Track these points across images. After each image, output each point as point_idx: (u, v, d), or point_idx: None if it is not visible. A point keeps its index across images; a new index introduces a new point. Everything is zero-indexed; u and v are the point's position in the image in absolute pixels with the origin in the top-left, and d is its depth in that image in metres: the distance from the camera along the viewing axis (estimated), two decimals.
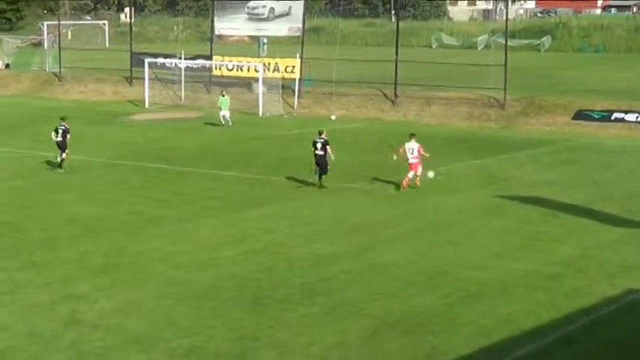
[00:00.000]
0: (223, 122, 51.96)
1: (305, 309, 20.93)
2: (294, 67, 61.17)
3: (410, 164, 34.68)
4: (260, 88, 58.98)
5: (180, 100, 63.10)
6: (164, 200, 32.71)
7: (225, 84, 63.37)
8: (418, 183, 34.62)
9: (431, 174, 34.73)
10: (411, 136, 35.48)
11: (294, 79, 60.93)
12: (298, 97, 60.42)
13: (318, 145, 34.26)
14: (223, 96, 53.28)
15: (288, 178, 36.71)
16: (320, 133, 35.25)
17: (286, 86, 61.00)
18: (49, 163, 39.05)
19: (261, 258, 25.11)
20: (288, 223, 29.30)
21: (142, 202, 32.39)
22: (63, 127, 37.98)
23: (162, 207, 31.56)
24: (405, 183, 34.58)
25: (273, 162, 40.65)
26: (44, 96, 68.90)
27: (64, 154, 37.68)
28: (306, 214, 30.55)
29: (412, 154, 34.79)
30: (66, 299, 21.39)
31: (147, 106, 61.43)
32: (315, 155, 34.57)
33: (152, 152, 43.04)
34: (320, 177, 34.53)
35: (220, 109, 52.25)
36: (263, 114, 57.30)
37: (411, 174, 34.61)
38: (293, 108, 59.54)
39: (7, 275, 23.27)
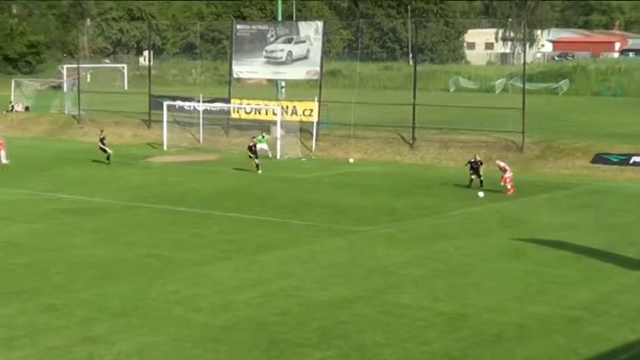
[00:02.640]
0: (269, 155, 54.67)
1: (321, 353, 20.85)
2: (312, 110, 61.38)
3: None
4: (278, 131, 59.16)
5: (199, 142, 63.33)
6: (182, 243, 32.74)
7: (244, 127, 63.68)
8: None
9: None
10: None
11: (312, 122, 61.12)
12: (316, 140, 60.56)
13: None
14: (263, 137, 55.26)
15: (305, 221, 36.71)
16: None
17: (304, 129, 61.19)
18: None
19: (277, 301, 25.07)
20: (304, 266, 29.27)
21: (160, 244, 32.44)
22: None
23: (181, 249, 31.59)
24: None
25: (291, 205, 40.67)
26: (63, 138, 69.30)
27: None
28: (322, 258, 30.51)
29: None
30: (83, 342, 21.39)
31: (165, 148, 61.66)
32: None
33: (170, 195, 43.15)
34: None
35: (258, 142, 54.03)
36: (281, 157, 57.42)
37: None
38: (311, 151, 59.66)
39: (26, 318, 23.30)
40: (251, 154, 50.69)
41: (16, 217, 37.41)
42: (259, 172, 49.74)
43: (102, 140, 54.32)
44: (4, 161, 54.27)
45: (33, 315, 23.57)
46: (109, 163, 53.37)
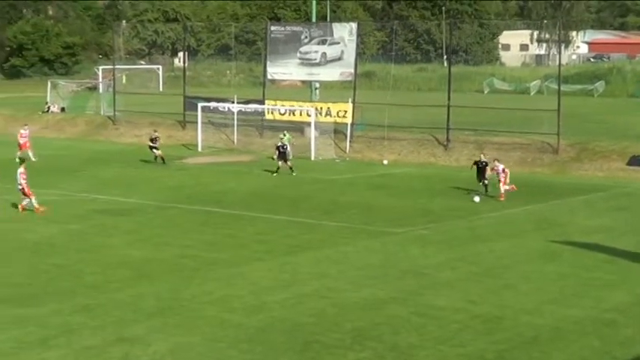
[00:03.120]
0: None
1: (355, 354, 20.84)
2: (346, 111, 61.38)
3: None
4: (312, 132, 59.20)
5: (233, 143, 63.49)
6: (216, 243, 32.84)
7: (278, 128, 63.76)
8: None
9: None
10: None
11: (346, 124, 61.11)
12: (350, 141, 60.53)
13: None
14: (285, 135, 55.04)
15: (338, 222, 36.71)
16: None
17: (338, 131, 61.19)
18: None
19: (311, 302, 25.08)
20: (338, 267, 29.27)
21: (194, 245, 32.55)
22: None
23: (215, 250, 31.68)
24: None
25: (324, 206, 40.69)
26: (99, 139, 69.69)
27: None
28: (356, 259, 30.50)
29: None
30: (119, 342, 21.49)
31: (200, 149, 61.84)
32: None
33: (205, 195, 43.28)
34: None
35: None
36: (315, 158, 57.45)
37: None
38: (345, 152, 59.65)
39: (61, 318, 23.44)
40: (275, 156, 50.58)
41: (52, 217, 37.65)
42: (294, 173, 49.63)
43: (153, 140, 55.01)
44: (33, 159, 55.66)
45: (68, 315, 23.71)
46: (164, 163, 54.21)
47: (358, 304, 24.83)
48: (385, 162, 56.18)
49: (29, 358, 20.56)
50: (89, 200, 41.82)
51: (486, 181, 43.38)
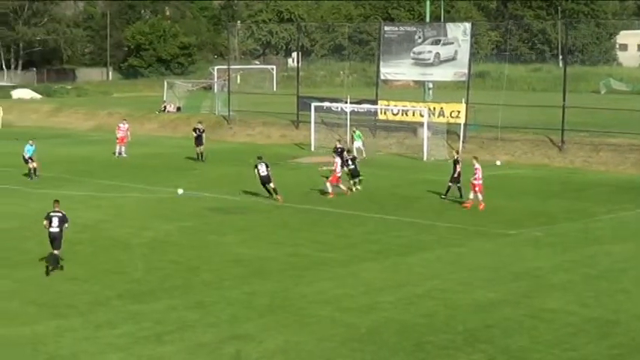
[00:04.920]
0: (359, 155, 53.44)
1: (467, 356, 20.76)
2: (459, 112, 61.06)
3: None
4: (425, 132, 59.02)
5: (346, 143, 63.60)
6: (328, 243, 33.00)
7: (391, 128, 63.77)
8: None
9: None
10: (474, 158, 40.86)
11: (459, 124, 60.78)
12: (463, 142, 60.16)
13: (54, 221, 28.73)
14: (355, 132, 55.62)
15: (451, 223, 36.56)
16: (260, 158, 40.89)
17: (451, 131, 60.87)
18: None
19: (423, 303, 25.05)
20: (450, 268, 29.16)
21: (306, 244, 32.78)
22: (265, 164, 42.01)
23: (326, 250, 31.84)
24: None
25: (436, 207, 40.55)
26: (213, 138, 70.37)
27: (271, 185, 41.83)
28: (468, 260, 30.34)
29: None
30: (231, 339, 21.79)
31: (313, 149, 62.19)
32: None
33: (317, 195, 43.49)
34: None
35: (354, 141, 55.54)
36: (427, 159, 57.27)
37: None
38: (458, 153, 59.19)
39: (176, 314, 23.88)
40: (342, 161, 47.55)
41: (167, 215, 38.32)
42: (358, 187, 44.97)
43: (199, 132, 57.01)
44: (124, 155, 58.28)
45: (182, 311, 24.13)
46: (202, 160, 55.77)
47: (470, 306, 24.72)
48: (498, 163, 55.67)
49: (143, 353, 20.98)
50: (203, 198, 42.42)
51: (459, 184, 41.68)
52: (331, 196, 42.33)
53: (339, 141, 50.81)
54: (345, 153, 45.97)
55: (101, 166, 54.13)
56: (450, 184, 41.92)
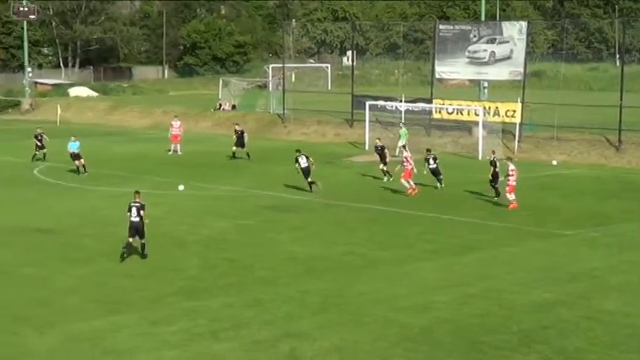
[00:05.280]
0: (397, 153, 53.61)
1: (522, 357, 20.65)
2: (514, 111, 60.73)
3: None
4: (480, 131, 58.76)
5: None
6: (382, 242, 32.99)
7: (445, 127, 63.59)
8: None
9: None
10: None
11: (515, 124, 60.45)
12: (518, 141, 59.83)
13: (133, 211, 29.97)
14: (401, 128, 56.35)
15: (506, 223, 36.38)
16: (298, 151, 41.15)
17: (506, 130, 60.56)
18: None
19: (477, 303, 24.97)
20: (505, 269, 29.02)
21: (360, 243, 32.79)
22: (305, 156, 43.62)
23: (381, 249, 31.84)
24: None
25: (491, 206, 40.37)
26: (268, 137, 70.79)
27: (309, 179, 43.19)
28: (524, 260, 30.18)
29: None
30: (286, 337, 21.87)
31: (367, 148, 62.13)
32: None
33: (371, 194, 43.50)
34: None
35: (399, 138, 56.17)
36: (482, 158, 56.95)
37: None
38: (513, 153, 58.91)
39: (232, 311, 24.02)
40: (381, 161, 48.02)
41: (224, 212, 38.55)
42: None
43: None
44: (179, 152, 58.94)
45: (238, 309, 24.26)
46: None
47: (525, 306, 24.59)
48: (554, 162, 55.30)
49: (199, 350, 21.12)
50: (258, 196, 42.61)
51: (497, 185, 41.30)
52: (413, 192, 42.31)
53: (378, 139, 50.75)
54: (427, 152, 46.25)
55: (156, 164, 54.57)
56: (493, 184, 41.66)
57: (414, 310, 24.27)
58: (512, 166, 39.68)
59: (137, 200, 29.97)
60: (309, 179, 43.22)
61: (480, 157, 56.97)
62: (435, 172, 44.83)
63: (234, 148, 56.67)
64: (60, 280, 27.42)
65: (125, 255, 29.46)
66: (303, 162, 43.25)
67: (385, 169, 47.48)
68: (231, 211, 38.79)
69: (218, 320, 23.23)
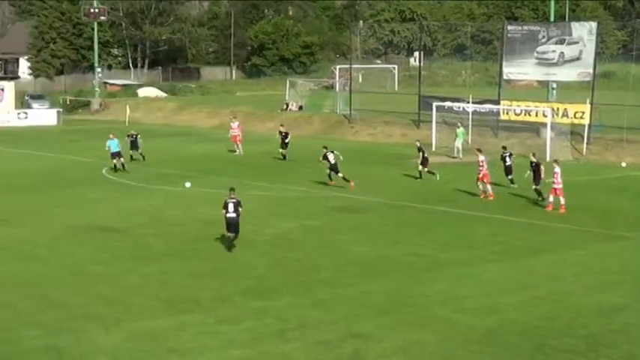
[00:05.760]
0: (455, 154, 54.08)
1: None
2: (583, 112, 60.09)
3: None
4: (548, 133, 58.22)
5: (467, 143, 63.14)
6: (448, 243, 32.84)
7: (513, 129, 63.12)
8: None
9: None
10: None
11: (584, 125, 59.82)
12: (587, 143, 59.20)
13: (230, 207, 31.07)
14: (458, 127, 56.63)
15: (574, 225, 36.01)
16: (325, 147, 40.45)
17: (575, 132, 59.96)
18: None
19: (544, 306, 24.75)
20: (572, 271, 28.73)
21: (425, 244, 32.69)
22: (332, 152, 45.06)
23: (446, 250, 31.71)
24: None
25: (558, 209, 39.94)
26: (334, 137, 70.72)
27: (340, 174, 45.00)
28: (591, 263, 29.86)
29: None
30: (350, 337, 21.88)
31: (434, 149, 61.85)
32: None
33: (436, 195, 43.30)
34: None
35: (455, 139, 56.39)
36: (550, 159, 56.40)
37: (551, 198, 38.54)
38: (582, 154, 58.39)
39: (297, 311, 24.09)
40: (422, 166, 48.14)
41: (289, 213, 38.66)
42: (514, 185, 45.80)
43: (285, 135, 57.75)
44: (240, 152, 59.38)
45: (304, 309, 24.32)
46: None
47: (593, 310, 24.32)
48: (624, 164, 54.62)
49: (265, 350, 21.21)
50: (325, 197, 42.64)
51: (538, 187, 40.82)
52: (489, 197, 41.91)
53: (418, 141, 50.85)
54: (503, 149, 46.58)
55: (222, 164, 54.89)
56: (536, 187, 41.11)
57: (480, 311, 24.13)
58: (556, 169, 39.19)
59: (233, 196, 31.21)
60: (342, 174, 44.87)
61: (547, 159, 56.39)
62: (507, 172, 44.92)
63: (280, 150, 56.81)
64: (127, 279, 27.72)
65: (232, 249, 31.05)
66: (331, 158, 44.82)
67: (425, 169, 48.28)
68: (298, 211, 38.89)
69: (284, 320, 23.31)
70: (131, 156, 54.96)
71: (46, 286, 26.88)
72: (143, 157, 54.90)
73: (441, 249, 31.86)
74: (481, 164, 41.90)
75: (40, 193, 44.08)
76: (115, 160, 50.35)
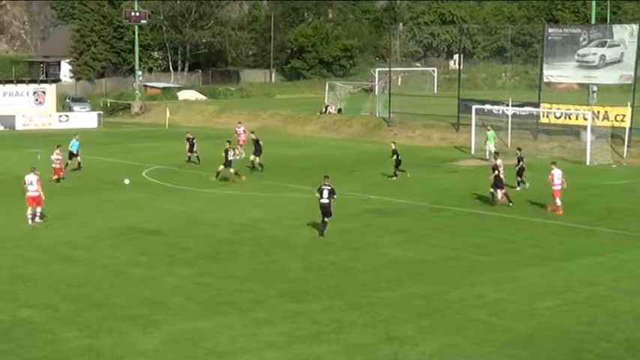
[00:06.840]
0: (487, 156, 54.37)
1: None
2: (624, 115, 59.68)
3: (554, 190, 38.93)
4: (589, 136, 57.88)
5: (507, 147, 62.86)
6: (487, 247, 32.72)
7: (552, 132, 62.77)
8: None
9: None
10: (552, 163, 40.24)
11: (625, 128, 59.40)
12: (628, 146, 58.78)
13: (325, 193, 34.20)
14: (489, 130, 57.15)
15: (614, 229, 35.76)
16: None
17: (616, 135, 59.55)
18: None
19: (583, 310, 24.60)
20: (612, 275, 28.53)
21: (464, 247, 32.58)
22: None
23: (485, 253, 31.59)
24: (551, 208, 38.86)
25: (599, 212, 39.70)
26: (373, 140, 70.81)
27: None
28: (631, 268, 29.62)
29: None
30: (388, 341, 21.85)
31: (473, 152, 61.73)
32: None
33: (475, 198, 43.15)
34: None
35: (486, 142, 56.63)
36: (590, 163, 56.15)
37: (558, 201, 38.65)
38: (622, 157, 57.97)
39: (333, 314, 24.08)
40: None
41: None
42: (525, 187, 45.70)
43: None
44: (238, 157, 56.45)
45: (339, 312, 24.32)
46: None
47: (632, 315, 24.14)
48: None
49: (300, 352, 21.24)
50: (363, 200, 42.63)
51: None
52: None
53: (393, 143, 51.65)
54: (519, 152, 46.43)
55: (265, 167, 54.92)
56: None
57: (518, 315, 24.03)
58: (552, 171, 39.59)
59: (327, 183, 33.92)
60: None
61: (587, 162, 56.13)
62: (519, 173, 45.44)
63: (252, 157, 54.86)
64: (166, 281, 27.86)
65: (319, 234, 34.04)
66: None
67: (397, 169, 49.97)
68: (336, 214, 38.72)
69: (320, 323, 23.33)
70: (189, 157, 55.55)
71: (86, 287, 27.09)
72: (198, 160, 55.63)
73: (480, 252, 31.75)
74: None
75: (81, 196, 44.41)
76: (70, 161, 52.32)
